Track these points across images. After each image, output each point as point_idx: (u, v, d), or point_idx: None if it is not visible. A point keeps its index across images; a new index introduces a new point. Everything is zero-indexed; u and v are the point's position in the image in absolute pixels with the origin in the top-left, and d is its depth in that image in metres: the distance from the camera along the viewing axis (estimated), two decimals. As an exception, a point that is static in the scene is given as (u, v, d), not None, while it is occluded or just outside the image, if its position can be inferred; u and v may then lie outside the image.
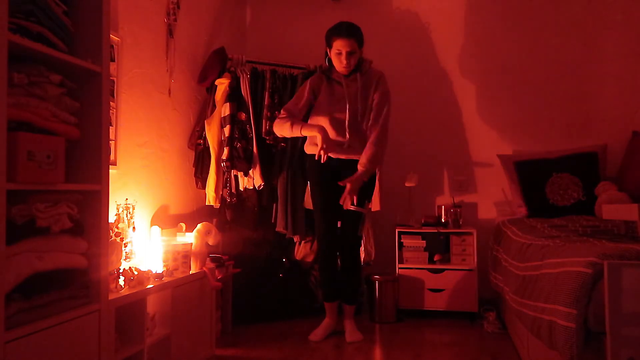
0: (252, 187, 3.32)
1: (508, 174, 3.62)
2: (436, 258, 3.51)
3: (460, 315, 3.40)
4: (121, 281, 2.05)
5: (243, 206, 3.39)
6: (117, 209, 2.32)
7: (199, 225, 2.66)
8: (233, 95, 3.27)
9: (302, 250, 3.52)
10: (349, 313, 3.03)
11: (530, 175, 3.50)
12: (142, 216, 2.68)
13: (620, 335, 1.60)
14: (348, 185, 2.78)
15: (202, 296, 2.58)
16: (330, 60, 2.98)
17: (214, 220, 3.23)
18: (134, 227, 2.38)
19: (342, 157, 2.93)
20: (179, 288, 2.34)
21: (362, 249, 3.44)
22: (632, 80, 3.61)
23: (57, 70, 1.68)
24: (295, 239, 3.41)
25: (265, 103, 3.32)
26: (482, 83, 3.86)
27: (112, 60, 2.43)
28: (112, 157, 2.42)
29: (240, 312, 3.20)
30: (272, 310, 3.32)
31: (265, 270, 3.36)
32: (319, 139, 2.79)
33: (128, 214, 2.36)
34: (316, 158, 2.81)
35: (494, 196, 3.82)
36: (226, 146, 3.20)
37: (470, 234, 3.46)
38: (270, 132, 3.26)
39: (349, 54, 2.87)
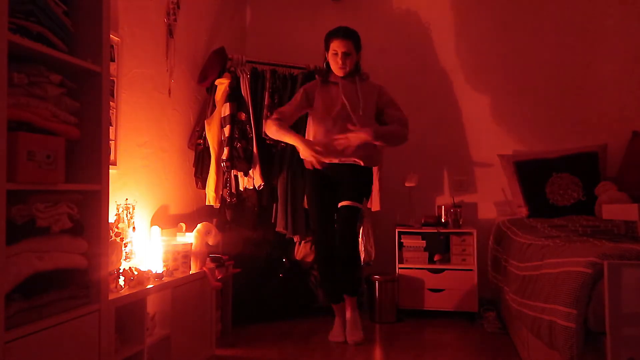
0: (252, 187, 3.32)
1: (508, 174, 3.62)
2: (436, 258, 3.51)
3: (460, 315, 3.40)
4: (121, 281, 2.05)
5: (243, 206, 3.39)
6: (117, 209, 2.32)
7: (199, 225, 2.66)
8: (233, 95, 3.27)
9: (302, 250, 3.52)
10: (352, 305, 2.93)
11: (530, 175, 3.50)
12: (142, 216, 2.68)
13: (620, 335, 1.60)
14: (355, 130, 2.79)
15: (202, 296, 2.58)
16: (328, 64, 2.99)
17: (214, 220, 3.23)
18: (134, 227, 2.38)
19: (335, 161, 2.91)
20: (179, 288, 2.34)
21: (362, 248, 3.45)
22: (632, 80, 3.61)
23: (57, 70, 1.68)
24: (295, 239, 3.41)
25: (265, 103, 3.32)
26: (482, 83, 3.86)
27: (112, 60, 2.43)
28: (112, 157, 2.42)
29: (240, 312, 3.20)
30: (272, 310, 3.32)
31: (265, 270, 3.36)
32: (301, 151, 2.83)
33: (128, 214, 2.36)
34: (310, 167, 2.86)
35: (494, 196, 3.82)
36: (226, 146, 3.20)
37: (470, 234, 3.46)
38: (271, 132, 3.27)
39: (345, 55, 2.89)
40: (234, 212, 3.35)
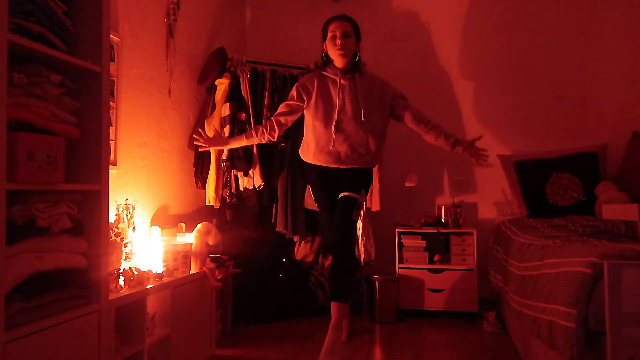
0: (252, 187, 3.32)
1: (508, 174, 3.62)
2: (436, 258, 3.51)
3: (460, 315, 3.40)
4: (121, 281, 2.05)
5: (243, 206, 3.39)
6: (117, 209, 2.32)
7: (199, 225, 2.66)
8: (233, 95, 3.27)
9: (302, 250, 3.52)
10: (338, 314, 2.56)
11: (530, 175, 3.50)
12: (142, 216, 2.68)
13: (620, 335, 1.60)
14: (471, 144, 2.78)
15: (202, 296, 2.58)
16: (326, 55, 2.77)
17: (214, 220, 3.23)
18: (134, 227, 2.38)
19: (342, 167, 2.76)
20: (179, 288, 2.34)
21: (362, 248, 3.44)
22: (632, 80, 3.61)
23: (57, 70, 1.68)
24: (295, 239, 3.41)
25: (265, 103, 3.32)
26: (482, 83, 3.86)
27: (112, 60, 2.43)
28: (112, 157, 2.42)
29: (240, 312, 3.20)
30: (272, 310, 3.32)
31: (265, 270, 3.36)
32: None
33: (128, 214, 2.36)
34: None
35: (494, 196, 3.82)
36: (226, 146, 3.20)
37: (470, 234, 3.46)
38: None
39: (344, 35, 2.66)
40: (234, 212, 3.35)
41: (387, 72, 3.50)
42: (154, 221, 2.80)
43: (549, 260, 2.05)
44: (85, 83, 1.80)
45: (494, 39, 3.84)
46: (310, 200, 3.40)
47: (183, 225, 2.82)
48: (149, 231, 2.69)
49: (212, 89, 3.37)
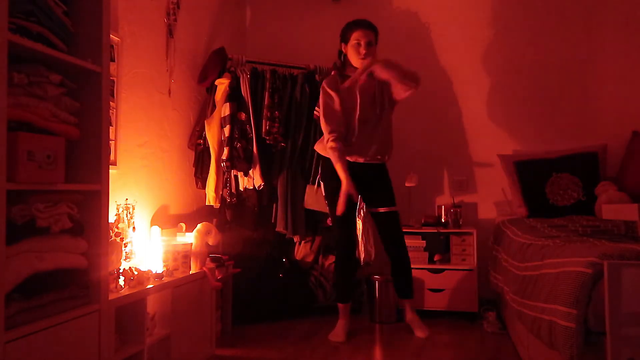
0: (252, 187, 3.32)
1: (508, 174, 3.62)
2: (436, 258, 3.51)
3: (460, 315, 3.40)
4: (121, 281, 2.05)
5: (243, 206, 3.39)
6: (117, 209, 2.32)
7: (199, 225, 2.66)
8: (233, 95, 3.27)
9: (302, 250, 3.52)
10: (410, 306, 3.08)
11: (530, 175, 3.50)
12: (142, 216, 2.68)
13: (620, 335, 1.60)
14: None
15: (202, 296, 2.58)
16: (345, 57, 2.98)
17: (214, 220, 3.23)
18: (134, 227, 2.38)
19: (361, 160, 2.96)
20: (179, 288, 2.34)
21: (362, 248, 3.44)
22: (632, 80, 3.61)
23: (57, 70, 1.68)
24: (295, 239, 3.41)
25: (265, 103, 3.32)
26: (481, 83, 3.86)
27: (112, 60, 2.43)
28: (112, 157, 2.42)
29: (240, 312, 3.20)
30: (272, 310, 3.32)
31: (265, 270, 3.36)
32: (343, 187, 2.84)
33: (128, 214, 2.36)
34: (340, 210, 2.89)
35: (494, 196, 3.81)
36: (226, 146, 3.20)
37: (470, 234, 3.46)
38: (270, 132, 3.26)
39: (368, 44, 2.90)
40: (234, 212, 3.35)
41: (387, 72, 3.50)
42: (154, 221, 2.80)
43: (549, 260, 2.05)
44: (85, 83, 1.80)
45: (494, 39, 3.83)
46: (310, 200, 3.40)
47: (183, 225, 2.82)
48: (149, 231, 2.69)
49: (212, 89, 3.37)
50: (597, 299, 1.65)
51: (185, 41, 3.20)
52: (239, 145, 3.22)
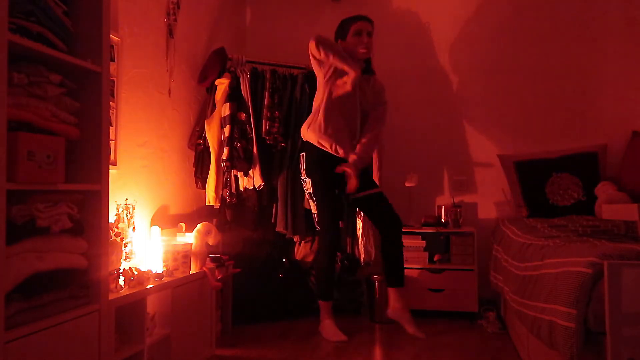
0: (252, 187, 3.32)
1: (508, 174, 3.62)
2: (436, 258, 3.51)
3: (460, 315, 3.40)
4: (121, 281, 2.05)
5: (243, 206, 3.39)
6: (117, 209, 2.32)
7: (199, 225, 2.66)
8: (233, 95, 3.27)
9: (302, 250, 3.52)
10: (406, 298, 3.03)
11: (530, 175, 3.50)
12: (142, 216, 2.68)
13: (620, 335, 1.60)
14: (348, 171, 2.85)
15: (202, 296, 2.58)
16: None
17: (214, 220, 3.23)
18: (134, 227, 2.38)
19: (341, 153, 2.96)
20: (179, 288, 2.34)
21: (362, 248, 3.45)
22: (632, 80, 3.61)
23: (57, 70, 1.68)
24: (295, 239, 3.41)
25: (265, 103, 3.32)
26: (481, 83, 3.86)
27: (112, 60, 2.43)
28: (112, 157, 2.42)
29: (240, 312, 3.20)
30: (272, 310, 3.32)
31: (265, 270, 3.36)
32: (351, 171, 2.85)
33: (128, 214, 2.36)
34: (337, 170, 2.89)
35: (494, 196, 3.82)
36: (226, 146, 3.20)
37: (470, 234, 3.46)
38: (270, 132, 3.27)
39: (369, 35, 2.96)
40: (234, 212, 3.35)
41: (387, 72, 3.50)
42: (154, 221, 2.80)
43: (549, 260, 2.05)
44: (85, 83, 1.80)
45: (494, 39, 3.83)
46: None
47: (183, 225, 2.82)
48: (149, 231, 2.69)
49: (212, 89, 3.37)
50: (597, 299, 1.65)
51: (185, 41, 3.20)
52: (239, 145, 3.22)
